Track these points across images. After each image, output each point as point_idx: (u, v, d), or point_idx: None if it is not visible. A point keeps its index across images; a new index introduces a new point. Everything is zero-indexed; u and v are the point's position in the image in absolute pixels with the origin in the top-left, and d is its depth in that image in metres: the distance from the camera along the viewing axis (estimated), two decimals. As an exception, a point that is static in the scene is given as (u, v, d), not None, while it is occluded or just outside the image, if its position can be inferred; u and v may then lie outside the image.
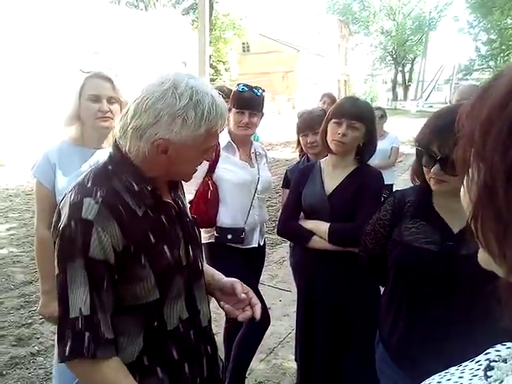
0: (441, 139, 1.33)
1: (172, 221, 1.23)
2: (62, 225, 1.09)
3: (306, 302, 2.24)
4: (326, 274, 2.11)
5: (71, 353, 1.04)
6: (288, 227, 2.23)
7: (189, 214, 1.36)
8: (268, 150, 3.35)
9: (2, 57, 13.70)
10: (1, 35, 13.38)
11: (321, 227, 2.07)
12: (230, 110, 2.44)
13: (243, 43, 35.18)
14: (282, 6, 72.00)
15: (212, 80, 23.52)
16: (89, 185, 1.12)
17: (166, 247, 1.18)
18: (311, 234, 2.10)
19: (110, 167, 1.17)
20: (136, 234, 1.11)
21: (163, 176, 1.22)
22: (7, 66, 13.70)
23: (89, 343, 1.04)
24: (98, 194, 1.09)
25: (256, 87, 2.50)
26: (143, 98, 1.10)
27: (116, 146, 1.18)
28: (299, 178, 2.25)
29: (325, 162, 2.21)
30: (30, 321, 3.77)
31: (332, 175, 2.14)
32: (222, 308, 1.39)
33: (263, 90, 2.55)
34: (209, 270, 1.48)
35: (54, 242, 1.13)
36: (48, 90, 13.38)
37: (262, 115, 2.56)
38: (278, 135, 17.63)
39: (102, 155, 1.83)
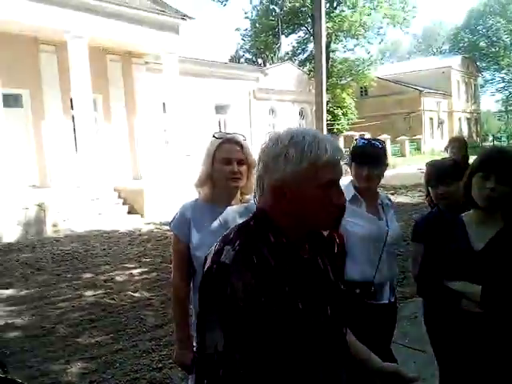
0: None
1: (309, 277, 1.22)
2: (205, 267, 1.20)
3: (453, 367, 2.01)
4: (479, 339, 1.89)
5: None
6: (431, 288, 2.07)
7: (331, 275, 1.32)
8: (392, 193, 3.16)
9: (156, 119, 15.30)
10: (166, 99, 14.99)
11: (471, 289, 1.89)
12: (350, 164, 2.53)
13: (361, 88, 35.06)
14: (400, 48, 70.90)
15: (329, 125, 23.69)
16: (231, 236, 1.23)
17: (300, 303, 1.17)
18: (460, 296, 1.92)
19: (251, 222, 1.26)
20: (269, 284, 1.14)
21: (298, 226, 1.22)
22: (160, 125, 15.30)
23: (224, 380, 1.09)
24: (237, 243, 1.18)
25: (375, 139, 2.52)
26: (260, 154, 1.23)
27: (255, 202, 1.30)
28: (435, 232, 2.10)
29: (468, 217, 2.05)
30: (160, 365, 3.90)
31: (479, 231, 1.97)
32: None
33: (383, 142, 2.54)
34: (363, 347, 1.43)
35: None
36: (188, 150, 14.67)
37: (386, 167, 2.52)
38: (402, 178, 16.96)
39: (231, 212, 2.10)
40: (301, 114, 23.77)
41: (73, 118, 13.32)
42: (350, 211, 2.39)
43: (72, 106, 13.19)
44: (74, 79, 12.51)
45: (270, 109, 21.77)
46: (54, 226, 10.43)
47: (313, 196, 1.18)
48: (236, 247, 1.17)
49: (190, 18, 15.28)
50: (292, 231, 1.22)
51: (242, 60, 36.02)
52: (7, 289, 6.14)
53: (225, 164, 2.08)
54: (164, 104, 15.63)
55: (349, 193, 2.46)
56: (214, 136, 2.19)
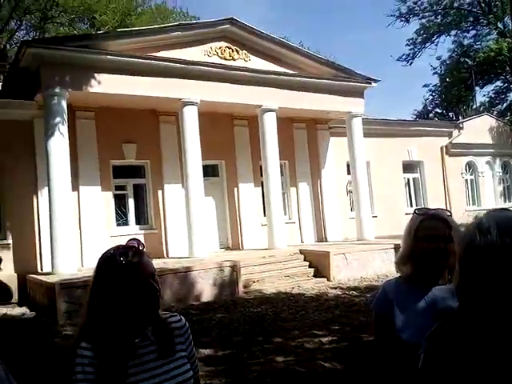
0: None
1: None
2: None
3: None
4: None
5: None
6: None
7: None
8: None
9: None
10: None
11: None
12: None
13: None
14: None
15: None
16: None
17: None
18: None
19: None
20: None
21: None
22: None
23: None
24: None
25: None
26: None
27: None
28: None
29: None
30: None
31: None
32: None
33: None
34: None
35: None
36: (374, 210, 14.45)
37: None
38: None
39: (439, 293, 1.97)
40: (503, 168, 21.46)
41: (261, 183, 14.22)
42: None
43: (261, 173, 14.11)
44: (263, 148, 13.48)
45: (466, 164, 20.08)
46: (245, 286, 10.94)
47: None
48: None
49: (375, 80, 15.37)
50: None
51: (431, 115, 35.04)
52: (205, 348, 6.48)
53: (429, 242, 1.99)
54: (348, 165, 15.71)
55: None
56: (415, 212, 2.08)
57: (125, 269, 1.58)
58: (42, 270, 11.37)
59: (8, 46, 25.41)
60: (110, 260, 1.62)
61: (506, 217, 1.06)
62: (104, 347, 1.54)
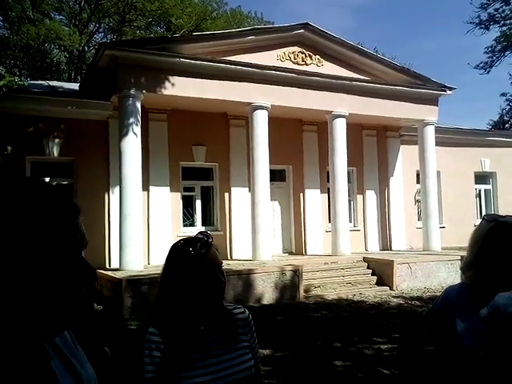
0: None
1: None
2: None
3: None
4: None
5: None
6: None
7: None
8: None
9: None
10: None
11: None
12: None
13: None
14: None
15: None
16: None
17: None
18: None
19: None
20: None
21: None
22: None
23: None
24: None
25: None
26: None
27: None
28: None
29: None
30: None
31: None
32: None
33: None
34: None
35: None
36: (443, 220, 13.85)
37: None
38: None
39: (502, 299, 1.89)
40: None
41: (328, 190, 14.07)
42: None
43: (328, 179, 13.97)
44: (331, 154, 13.34)
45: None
46: (306, 291, 10.85)
47: None
48: None
49: (450, 88, 14.78)
50: None
51: (508, 125, 33.18)
52: (264, 349, 6.49)
53: (496, 249, 1.93)
54: (417, 174, 15.20)
55: None
56: (484, 218, 2.01)
57: (193, 259, 1.67)
58: (110, 265, 11.83)
59: (86, 48, 26.95)
60: (179, 249, 1.72)
61: None
62: (171, 333, 1.61)
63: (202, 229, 13.29)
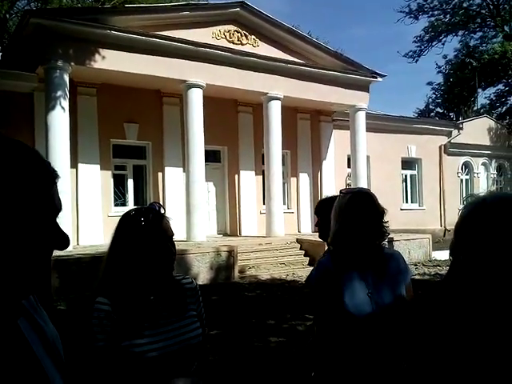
0: None
1: None
2: None
3: None
4: None
5: None
6: None
7: None
8: None
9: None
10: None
11: None
12: None
13: None
14: None
15: None
16: None
17: None
18: None
19: None
20: None
21: None
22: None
23: None
24: None
25: None
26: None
27: None
28: None
29: None
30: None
31: None
32: None
33: None
34: None
35: None
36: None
37: None
38: None
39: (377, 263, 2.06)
40: (498, 170, 21.57)
41: (263, 172, 14.13)
42: None
43: (263, 161, 14.02)
44: (266, 136, 13.37)
45: (462, 164, 20.19)
46: (241, 271, 10.89)
47: None
48: None
49: (381, 75, 15.26)
50: None
51: (432, 114, 35.06)
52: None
53: (356, 219, 2.10)
54: (348, 158, 15.64)
55: None
56: (341, 192, 2.15)
57: (144, 229, 1.64)
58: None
59: (8, 15, 25.04)
60: (131, 219, 1.69)
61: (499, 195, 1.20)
62: (121, 302, 1.61)
63: (134, 209, 12.92)
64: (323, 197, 2.98)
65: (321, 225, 2.66)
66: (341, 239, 2.05)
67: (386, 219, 2.12)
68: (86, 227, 11.73)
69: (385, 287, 2.00)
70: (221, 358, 5.18)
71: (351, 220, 2.01)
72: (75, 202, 11.73)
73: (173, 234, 1.73)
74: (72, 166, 11.19)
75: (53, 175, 0.89)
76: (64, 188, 10.30)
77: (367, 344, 1.91)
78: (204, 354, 1.83)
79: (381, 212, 2.10)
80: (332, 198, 2.64)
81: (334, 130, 16.20)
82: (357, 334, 1.93)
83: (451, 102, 34.12)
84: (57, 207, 0.88)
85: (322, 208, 2.67)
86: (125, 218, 1.70)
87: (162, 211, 1.72)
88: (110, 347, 1.56)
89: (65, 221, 10.17)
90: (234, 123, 14.32)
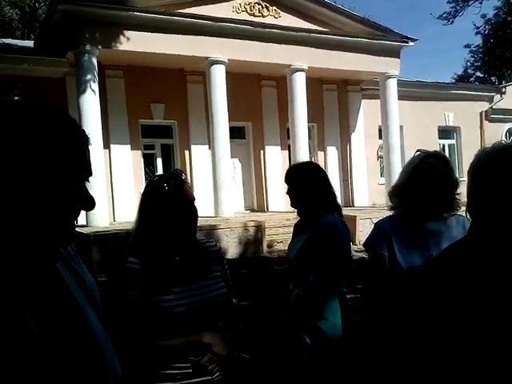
0: None
1: None
2: None
3: None
4: None
5: None
6: None
7: None
8: None
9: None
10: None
11: None
12: None
13: None
14: None
15: None
16: None
17: None
18: None
19: None
20: None
21: None
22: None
23: None
24: None
25: None
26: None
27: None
28: None
29: None
30: None
31: None
32: None
33: None
34: None
35: None
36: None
37: None
38: None
39: (435, 226, 2.09)
40: (545, 135, 20.60)
41: (289, 147, 14.10)
42: None
43: (288, 136, 13.97)
44: (291, 110, 13.27)
45: (506, 131, 19.05)
46: (269, 246, 11.04)
47: None
48: None
49: (412, 39, 14.60)
50: None
51: (472, 79, 33.19)
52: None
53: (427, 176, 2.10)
54: (380, 129, 15.35)
55: None
56: (418, 150, 2.16)
57: (167, 194, 1.75)
58: (76, 222, 11.63)
59: (37, 4, 25.51)
60: (154, 185, 1.81)
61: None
62: (149, 262, 1.76)
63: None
64: (292, 164, 3.01)
65: (291, 193, 2.65)
66: (406, 196, 2.03)
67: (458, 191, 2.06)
68: (120, 205, 12.11)
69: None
70: (251, 326, 5.36)
71: (424, 179, 1.98)
72: (110, 181, 12.12)
73: (194, 199, 1.82)
74: (105, 147, 11.49)
75: (86, 140, 0.95)
76: (99, 166, 10.62)
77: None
78: (230, 313, 1.94)
79: (455, 181, 2.06)
80: (299, 165, 2.72)
81: (363, 100, 15.82)
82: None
83: (492, 65, 32.05)
84: (88, 170, 0.95)
85: (291, 176, 2.66)
86: (149, 185, 1.83)
87: (183, 177, 1.83)
88: (142, 302, 1.72)
89: (101, 198, 10.57)
90: (257, 98, 14.26)
